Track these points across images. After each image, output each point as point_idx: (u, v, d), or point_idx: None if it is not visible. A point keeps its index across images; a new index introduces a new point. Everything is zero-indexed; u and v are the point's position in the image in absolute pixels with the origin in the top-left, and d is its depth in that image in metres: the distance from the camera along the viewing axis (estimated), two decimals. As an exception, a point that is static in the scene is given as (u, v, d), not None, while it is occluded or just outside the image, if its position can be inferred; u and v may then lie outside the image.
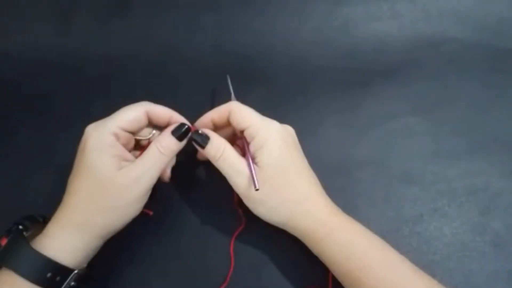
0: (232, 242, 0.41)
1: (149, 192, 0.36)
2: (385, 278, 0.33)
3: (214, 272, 0.40)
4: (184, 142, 0.37)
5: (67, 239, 0.32)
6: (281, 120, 0.39)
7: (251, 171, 0.35)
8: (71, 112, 0.49)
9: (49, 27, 0.54)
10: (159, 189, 0.42)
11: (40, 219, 0.36)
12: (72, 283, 0.33)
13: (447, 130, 0.48)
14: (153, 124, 0.39)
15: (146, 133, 0.39)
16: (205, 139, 0.37)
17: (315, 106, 0.50)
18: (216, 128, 0.40)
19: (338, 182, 0.44)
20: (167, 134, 0.36)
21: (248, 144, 0.37)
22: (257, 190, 0.34)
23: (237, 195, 0.38)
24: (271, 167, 0.35)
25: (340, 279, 0.35)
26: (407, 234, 0.42)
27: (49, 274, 0.31)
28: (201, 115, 0.40)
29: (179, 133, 0.36)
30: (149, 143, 0.39)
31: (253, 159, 0.36)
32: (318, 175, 0.39)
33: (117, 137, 0.34)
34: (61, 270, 0.32)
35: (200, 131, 0.37)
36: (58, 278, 0.31)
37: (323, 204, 0.37)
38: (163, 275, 0.40)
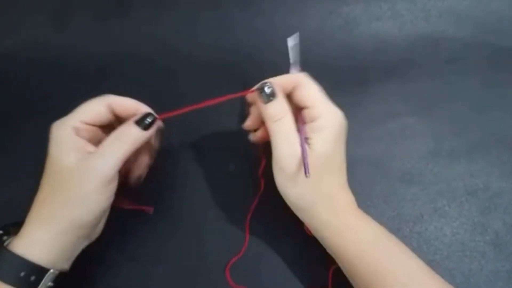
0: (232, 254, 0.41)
1: (113, 184, 0.34)
2: (400, 283, 0.32)
3: (214, 272, 0.40)
4: (150, 132, 0.35)
5: (35, 235, 0.32)
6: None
7: (304, 155, 0.33)
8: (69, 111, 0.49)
9: (47, 25, 0.54)
10: (159, 189, 0.42)
11: None
12: (49, 283, 0.32)
13: (447, 130, 0.48)
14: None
15: None
16: (271, 95, 0.34)
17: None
18: None
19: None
20: (129, 122, 0.35)
21: (304, 123, 0.35)
22: (307, 177, 0.32)
23: (264, 165, 0.37)
24: (318, 156, 0.34)
25: (351, 278, 0.35)
26: (407, 234, 0.42)
27: (22, 274, 0.30)
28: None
29: (144, 123, 0.35)
30: None
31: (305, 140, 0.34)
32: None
33: (77, 130, 0.34)
34: (35, 269, 0.31)
35: (269, 86, 0.35)
36: (32, 278, 0.30)
37: (346, 201, 0.36)
38: (163, 275, 0.40)
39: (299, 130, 0.35)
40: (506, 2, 0.56)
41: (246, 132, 0.41)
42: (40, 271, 0.31)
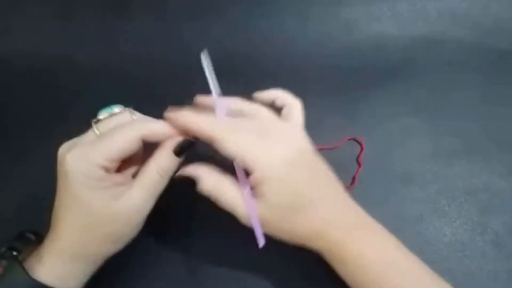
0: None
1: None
2: None
3: (214, 273, 0.40)
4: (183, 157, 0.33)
5: (66, 269, 0.31)
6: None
7: (254, 225, 0.30)
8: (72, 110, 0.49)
9: (48, 25, 0.54)
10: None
11: (31, 237, 0.34)
12: None
13: (446, 130, 0.48)
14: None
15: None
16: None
17: (315, 106, 0.49)
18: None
19: (338, 182, 0.45)
20: (167, 154, 0.32)
21: (245, 175, 0.31)
22: (260, 247, 0.30)
23: None
24: (275, 208, 0.30)
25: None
26: (407, 234, 0.42)
27: None
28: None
29: (183, 151, 0.32)
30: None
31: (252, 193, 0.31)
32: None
33: (106, 169, 0.30)
34: None
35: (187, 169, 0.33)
36: None
37: (335, 226, 0.32)
38: (163, 275, 0.40)
39: (242, 186, 0.31)
40: (505, 3, 0.56)
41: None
42: None
